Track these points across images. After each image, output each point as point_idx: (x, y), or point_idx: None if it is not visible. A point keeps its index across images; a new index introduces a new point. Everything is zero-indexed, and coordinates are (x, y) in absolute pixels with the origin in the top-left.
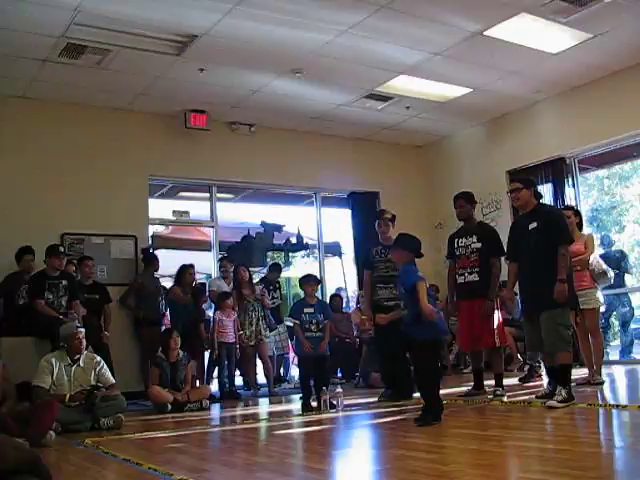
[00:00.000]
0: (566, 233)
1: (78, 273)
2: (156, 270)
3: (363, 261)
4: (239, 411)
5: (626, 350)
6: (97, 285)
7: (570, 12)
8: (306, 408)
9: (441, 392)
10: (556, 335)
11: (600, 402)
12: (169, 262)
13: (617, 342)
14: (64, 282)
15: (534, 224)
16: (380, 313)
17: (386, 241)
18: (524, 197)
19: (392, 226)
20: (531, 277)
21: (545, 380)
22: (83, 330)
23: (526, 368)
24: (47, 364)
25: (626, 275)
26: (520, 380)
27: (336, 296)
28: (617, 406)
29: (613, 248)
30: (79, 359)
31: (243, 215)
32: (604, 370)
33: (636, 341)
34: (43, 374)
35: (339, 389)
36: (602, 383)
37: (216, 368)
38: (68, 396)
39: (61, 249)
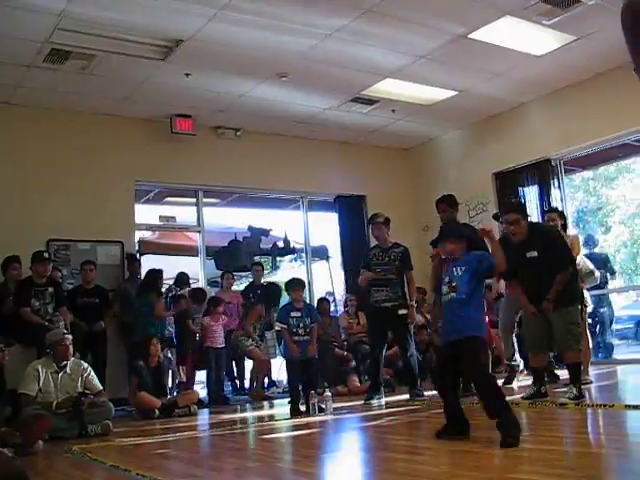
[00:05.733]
0: (566, 260)
1: (80, 277)
2: (137, 274)
3: (363, 261)
4: (227, 416)
5: (608, 350)
6: (97, 289)
7: (554, 14)
8: (295, 412)
9: (429, 394)
10: (568, 334)
11: (588, 402)
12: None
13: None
14: (50, 289)
15: (534, 253)
16: (376, 315)
17: (384, 244)
18: (523, 228)
19: (387, 229)
20: (537, 286)
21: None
22: (70, 337)
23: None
24: (33, 371)
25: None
26: (503, 384)
27: (323, 300)
28: (604, 406)
29: (597, 250)
30: (66, 366)
31: (230, 220)
32: (591, 370)
33: (619, 341)
34: (29, 381)
35: (328, 392)
36: (590, 383)
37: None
38: (55, 403)
39: (46, 255)
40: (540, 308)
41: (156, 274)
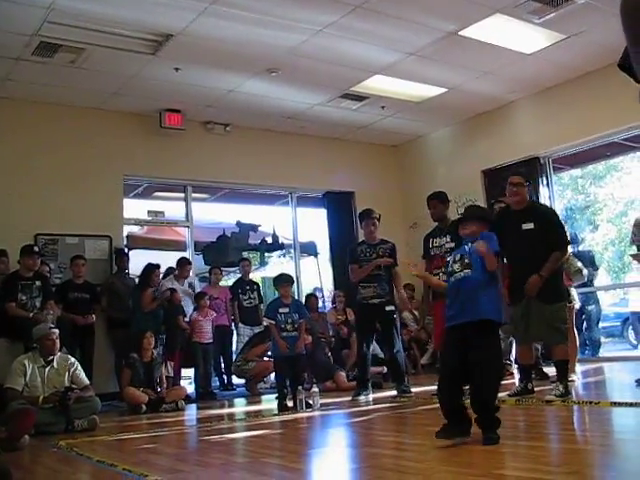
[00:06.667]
0: (564, 238)
1: (71, 271)
2: (125, 268)
3: (350, 256)
4: (215, 411)
5: (595, 347)
6: (88, 284)
7: (544, 13)
8: (282, 408)
9: (417, 390)
10: (556, 331)
11: (574, 399)
12: (144, 262)
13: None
14: (37, 283)
15: (530, 225)
16: (364, 311)
17: (372, 240)
18: (523, 193)
19: (378, 225)
20: (528, 273)
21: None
22: (57, 331)
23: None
24: (20, 365)
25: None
26: None
27: (312, 296)
28: (590, 403)
29: (582, 247)
30: (52, 360)
31: (218, 215)
32: (578, 367)
33: (606, 339)
34: (16, 376)
35: (315, 388)
36: (576, 380)
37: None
38: (41, 398)
39: (35, 249)
40: (524, 290)
41: (150, 269)
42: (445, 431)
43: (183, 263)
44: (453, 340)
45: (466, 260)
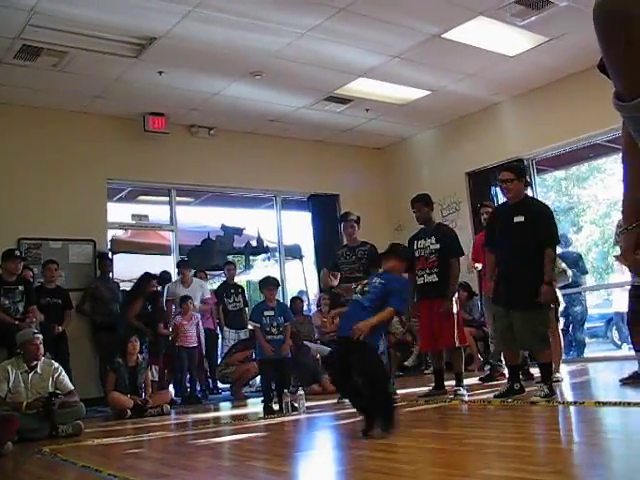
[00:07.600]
0: (555, 234)
1: (43, 276)
2: (108, 272)
3: (330, 262)
4: (200, 415)
5: (580, 348)
6: (60, 290)
7: (526, 15)
8: (268, 411)
9: (403, 392)
10: (535, 336)
11: (559, 399)
12: (128, 266)
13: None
14: (20, 287)
15: (520, 218)
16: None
17: (352, 242)
18: (516, 188)
19: (357, 227)
20: (512, 272)
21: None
22: (40, 336)
23: (487, 368)
24: (3, 371)
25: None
26: (481, 380)
27: (297, 299)
28: (575, 403)
29: (570, 248)
30: (36, 366)
31: (203, 218)
32: (563, 368)
33: (590, 339)
34: None
35: (301, 391)
36: (560, 381)
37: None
38: (25, 404)
39: (17, 253)
40: (509, 287)
41: (145, 279)
42: (368, 426)
43: (181, 266)
44: (339, 346)
45: (366, 288)
